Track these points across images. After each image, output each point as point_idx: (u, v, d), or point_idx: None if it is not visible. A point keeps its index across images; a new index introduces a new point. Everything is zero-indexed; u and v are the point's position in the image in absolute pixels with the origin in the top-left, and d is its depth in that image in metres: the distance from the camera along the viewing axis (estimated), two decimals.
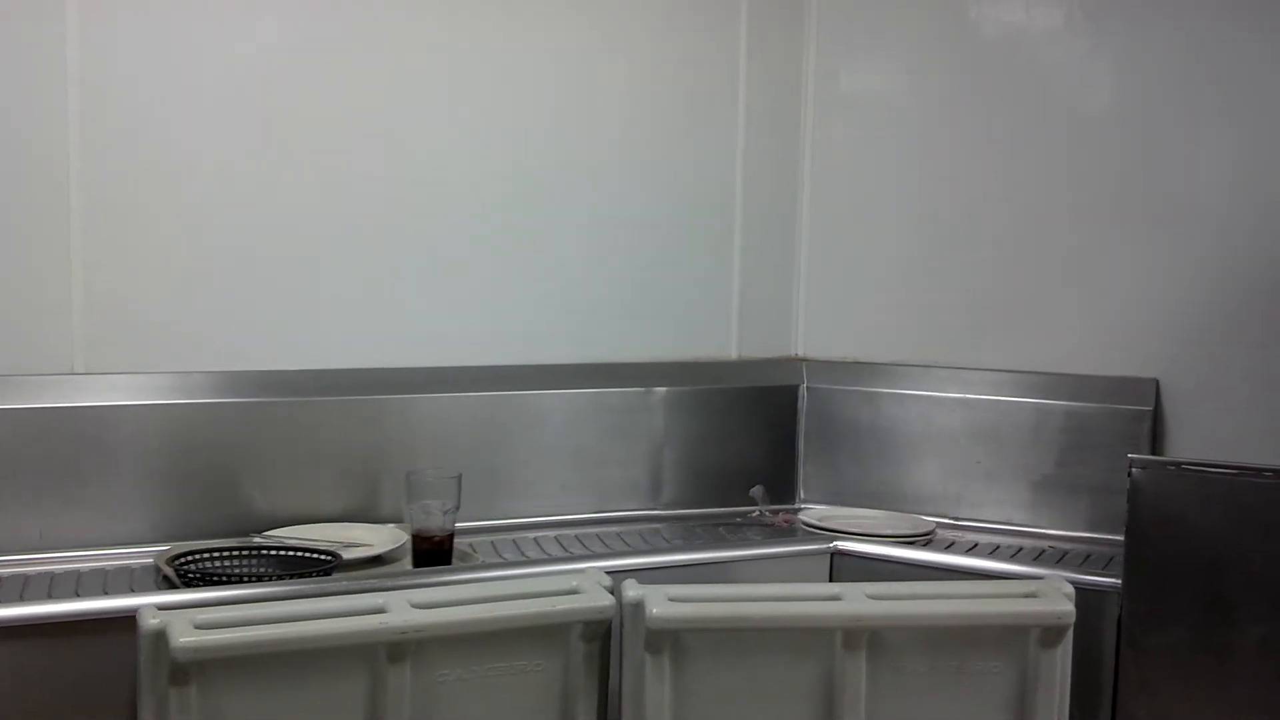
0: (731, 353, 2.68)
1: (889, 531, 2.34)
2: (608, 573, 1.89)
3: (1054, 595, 1.87)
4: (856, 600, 1.83)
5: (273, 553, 2.05)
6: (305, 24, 2.26)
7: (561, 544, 2.33)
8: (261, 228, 2.25)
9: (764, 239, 2.70)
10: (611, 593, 1.82)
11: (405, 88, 2.35)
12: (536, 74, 2.45)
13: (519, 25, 2.43)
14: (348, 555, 2.05)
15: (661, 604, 1.78)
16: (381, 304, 2.35)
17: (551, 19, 2.46)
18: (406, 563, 2.10)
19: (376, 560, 2.09)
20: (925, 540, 2.33)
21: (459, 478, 2.11)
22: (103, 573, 2.04)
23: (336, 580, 1.91)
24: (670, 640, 1.80)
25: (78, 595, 1.90)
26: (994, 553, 2.32)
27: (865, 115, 2.68)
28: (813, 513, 2.50)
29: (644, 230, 2.57)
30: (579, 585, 1.83)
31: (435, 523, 2.08)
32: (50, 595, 1.91)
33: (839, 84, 2.70)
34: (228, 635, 1.60)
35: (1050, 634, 1.85)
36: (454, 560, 2.10)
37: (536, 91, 2.46)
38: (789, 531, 2.46)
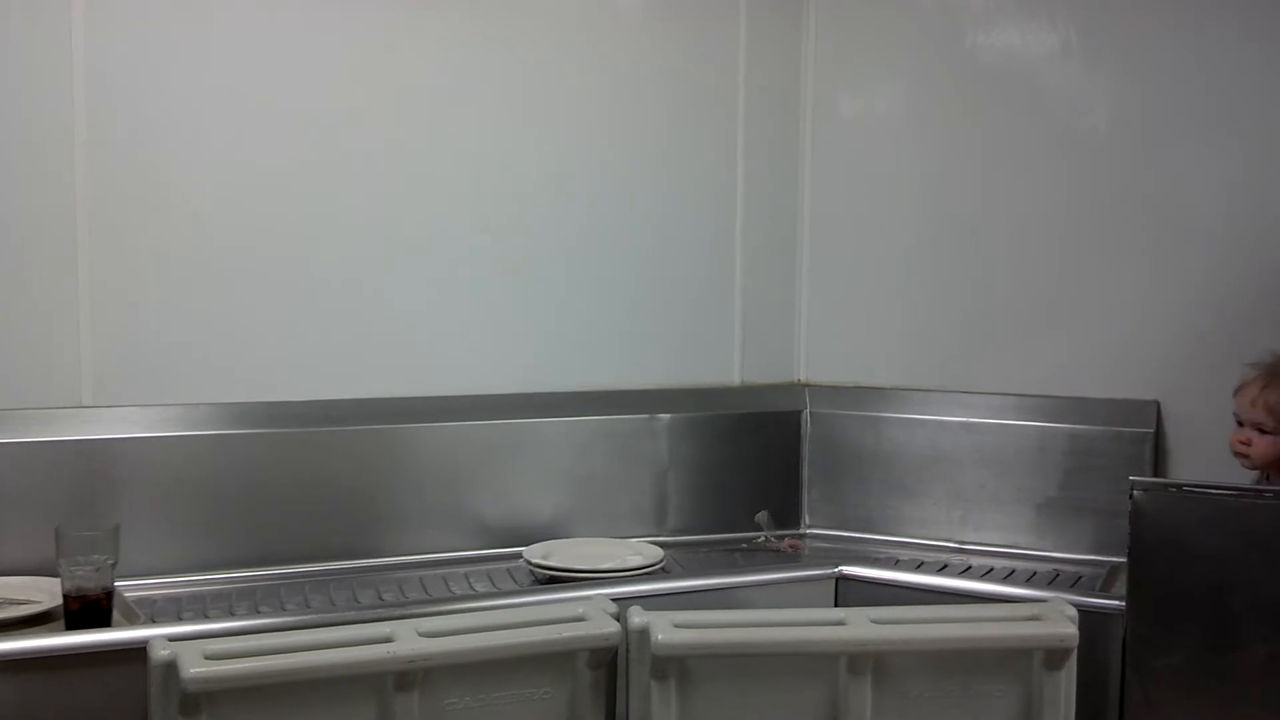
0: (734, 379, 2.69)
1: None
2: (613, 599, 1.90)
3: (1057, 618, 1.87)
4: (861, 625, 1.84)
5: None
6: (315, 59, 2.29)
7: None
8: (269, 260, 2.28)
9: (765, 265, 2.72)
10: (617, 620, 1.83)
11: (407, 116, 2.37)
12: (538, 104, 2.47)
13: (523, 60, 2.45)
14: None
15: (667, 630, 1.79)
16: (388, 334, 2.37)
17: (552, 49, 2.48)
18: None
19: (42, 618, 1.91)
20: None
21: (116, 529, 1.93)
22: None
23: (345, 610, 1.93)
24: (676, 666, 1.81)
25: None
26: (998, 576, 2.33)
27: (864, 139, 2.70)
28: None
29: (646, 258, 2.59)
30: (585, 612, 1.84)
31: (90, 581, 1.87)
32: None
33: (838, 108, 2.72)
34: (237, 665, 1.61)
35: (1054, 656, 1.85)
36: (114, 619, 1.91)
37: (537, 122, 2.48)
38: (794, 557, 2.47)
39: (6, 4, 2.08)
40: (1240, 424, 2.17)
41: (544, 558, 2.28)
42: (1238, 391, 2.18)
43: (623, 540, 2.45)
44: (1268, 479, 2.19)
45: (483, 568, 2.33)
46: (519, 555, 2.34)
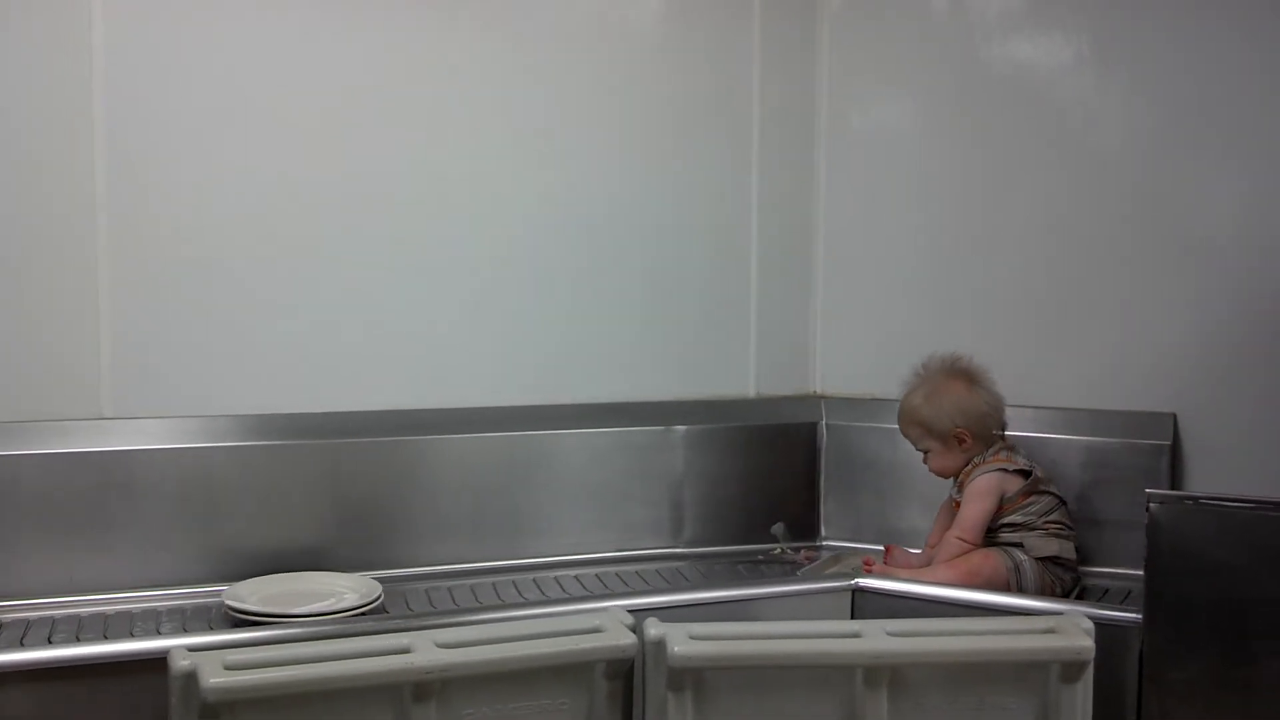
0: (750, 390, 2.69)
1: None
2: (630, 611, 1.90)
3: (1073, 631, 1.87)
4: (877, 637, 1.84)
5: None
6: (334, 73, 2.31)
7: (583, 583, 2.35)
8: (287, 273, 2.29)
9: (780, 276, 2.72)
10: (634, 631, 1.83)
11: (425, 129, 2.39)
12: (554, 118, 2.49)
13: (539, 74, 2.47)
14: None
15: (683, 642, 1.79)
16: (405, 346, 2.38)
17: (567, 63, 2.49)
18: None
19: None
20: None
21: None
22: (129, 615, 2.07)
23: (363, 620, 1.94)
24: (692, 678, 1.81)
25: (105, 638, 1.93)
26: None
27: (878, 152, 2.70)
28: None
29: (661, 270, 2.60)
30: (601, 624, 1.84)
31: None
32: (79, 638, 1.94)
33: (852, 122, 2.72)
34: (257, 676, 1.62)
35: (1070, 669, 1.85)
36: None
37: (553, 135, 2.49)
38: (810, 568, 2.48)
39: (27, 19, 2.10)
40: None
41: (243, 599, 2.05)
42: None
43: (341, 574, 2.22)
44: (961, 470, 2.37)
45: (497, 579, 2.34)
46: (533, 566, 2.35)
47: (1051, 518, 2.31)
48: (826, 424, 2.70)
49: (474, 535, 2.40)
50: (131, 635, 1.95)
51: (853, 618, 2.21)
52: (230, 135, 2.24)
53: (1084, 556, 2.39)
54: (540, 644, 1.78)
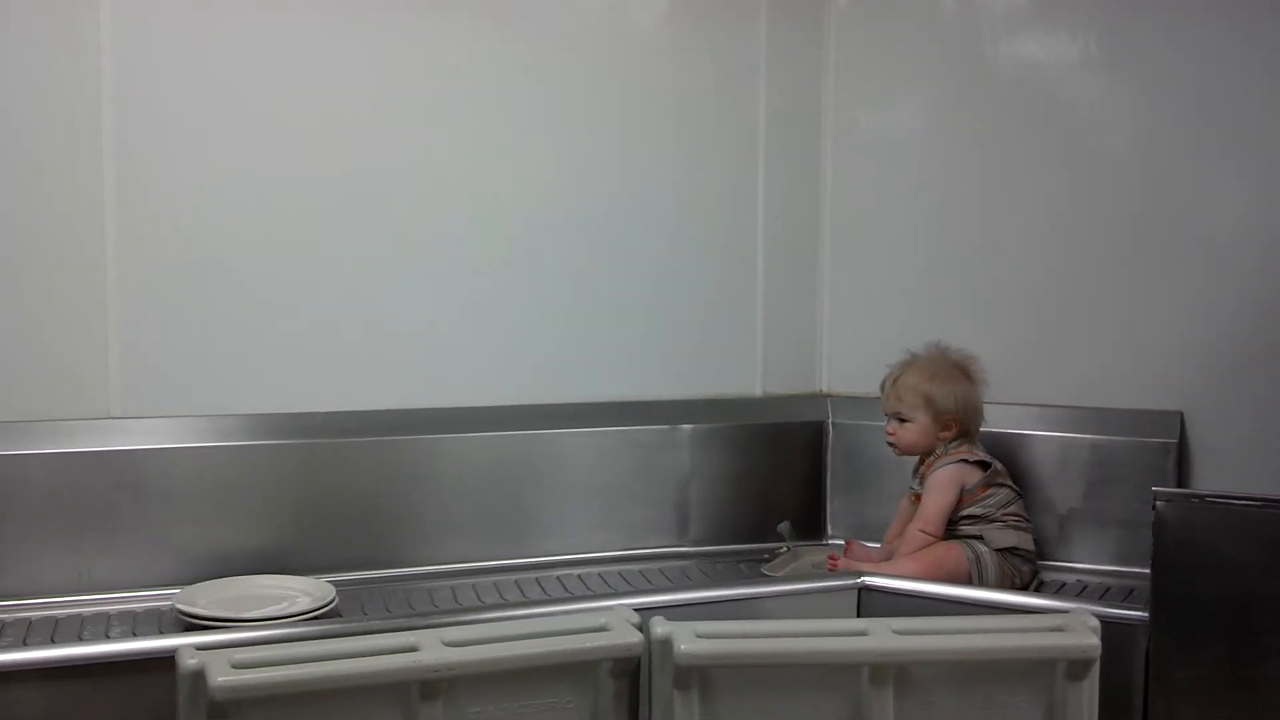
0: (756, 389, 2.70)
1: None
2: (636, 610, 1.90)
3: (1080, 629, 1.87)
4: (883, 635, 1.84)
5: None
6: (340, 75, 2.31)
7: (588, 582, 2.35)
8: (294, 273, 2.30)
9: (787, 276, 2.72)
10: (640, 630, 1.83)
11: (429, 128, 2.39)
12: (558, 117, 2.49)
13: (543, 73, 2.47)
14: None
15: (689, 640, 1.80)
16: (411, 345, 2.39)
17: (573, 62, 2.50)
18: None
19: None
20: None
21: None
22: (132, 615, 2.08)
23: (371, 619, 1.94)
24: (698, 676, 1.81)
25: (108, 637, 1.94)
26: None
27: (885, 153, 2.70)
28: None
29: (667, 269, 2.60)
30: (608, 623, 1.85)
31: None
32: (82, 637, 1.95)
33: (858, 121, 2.72)
34: (265, 674, 1.62)
35: (1076, 667, 1.85)
36: None
37: (558, 134, 2.49)
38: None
39: (34, 22, 2.10)
40: (887, 417, 2.41)
41: (193, 602, 2.02)
42: (880, 388, 2.43)
43: (296, 577, 2.20)
44: (921, 463, 2.41)
45: (505, 578, 2.34)
46: (539, 565, 2.35)
47: (1010, 510, 2.34)
48: (833, 423, 2.71)
49: (480, 534, 2.40)
50: (134, 634, 1.95)
51: (859, 616, 2.22)
52: (235, 137, 2.24)
53: (1090, 555, 2.39)
54: (547, 642, 1.79)
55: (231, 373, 2.26)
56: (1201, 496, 1.98)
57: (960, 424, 2.37)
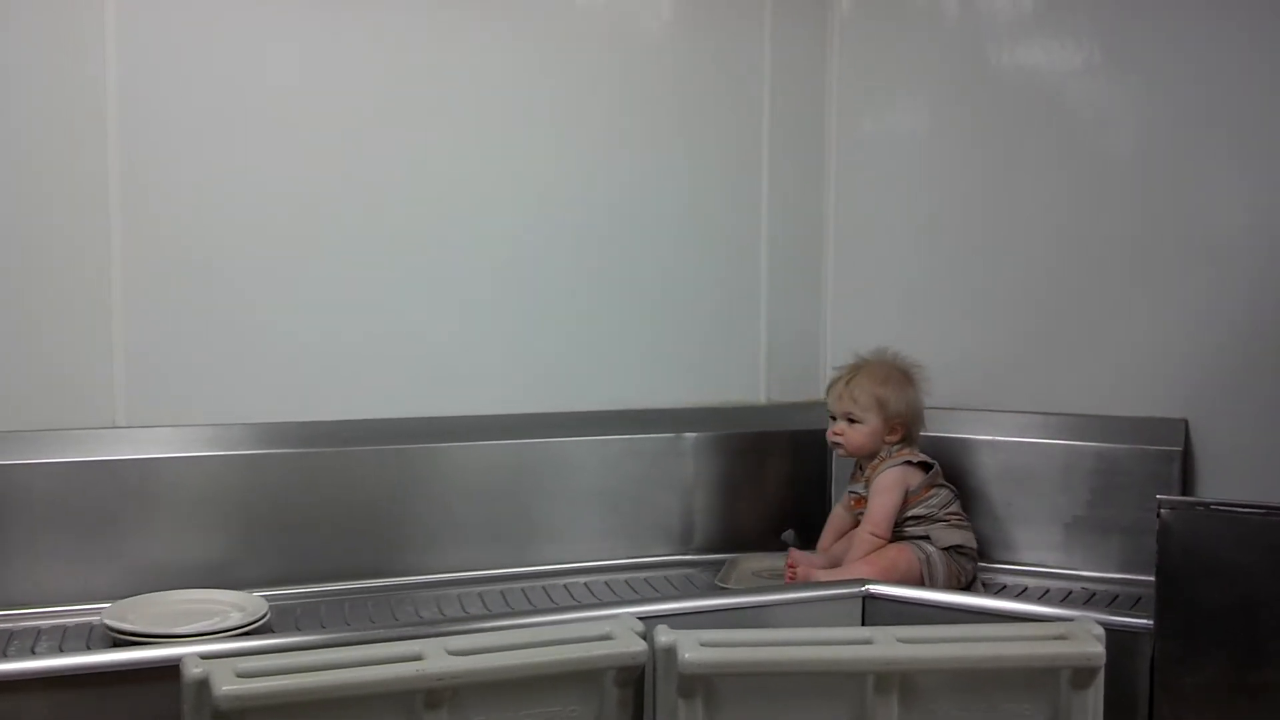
0: (760, 397, 2.70)
1: None
2: (640, 618, 1.90)
3: (1084, 637, 1.86)
4: (887, 644, 1.84)
5: None
6: (346, 79, 2.32)
7: (593, 590, 2.35)
8: (299, 281, 2.30)
9: (790, 282, 2.73)
10: (644, 638, 1.83)
11: (433, 135, 2.40)
12: (562, 124, 2.50)
13: (548, 81, 2.48)
14: None
15: (694, 649, 1.79)
16: (416, 354, 2.39)
17: (576, 68, 2.50)
18: None
19: None
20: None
21: None
22: None
23: (375, 628, 1.94)
24: (703, 685, 1.81)
25: (125, 645, 1.94)
26: (1024, 595, 2.33)
27: (889, 159, 2.70)
28: None
29: (670, 276, 2.60)
30: (612, 631, 1.84)
31: None
32: (89, 646, 1.95)
33: (862, 126, 2.73)
34: (269, 683, 1.62)
35: (1081, 675, 1.84)
36: None
37: (561, 142, 2.50)
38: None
39: (39, 27, 2.11)
40: (833, 418, 2.42)
41: (122, 618, 1.99)
42: (827, 391, 2.47)
43: (229, 591, 2.16)
44: (860, 469, 2.44)
45: (507, 586, 2.34)
46: (543, 573, 2.36)
47: (951, 509, 2.38)
48: None
49: (484, 542, 2.40)
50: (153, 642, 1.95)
51: (863, 624, 2.22)
52: (239, 143, 2.25)
53: (1095, 563, 2.39)
54: (551, 651, 1.78)
55: (237, 381, 2.27)
56: (1206, 504, 1.97)
57: (906, 428, 2.40)
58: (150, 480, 2.17)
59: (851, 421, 2.41)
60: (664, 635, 1.83)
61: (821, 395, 2.74)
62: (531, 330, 2.49)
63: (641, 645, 1.82)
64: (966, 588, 2.34)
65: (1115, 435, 2.43)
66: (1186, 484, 2.36)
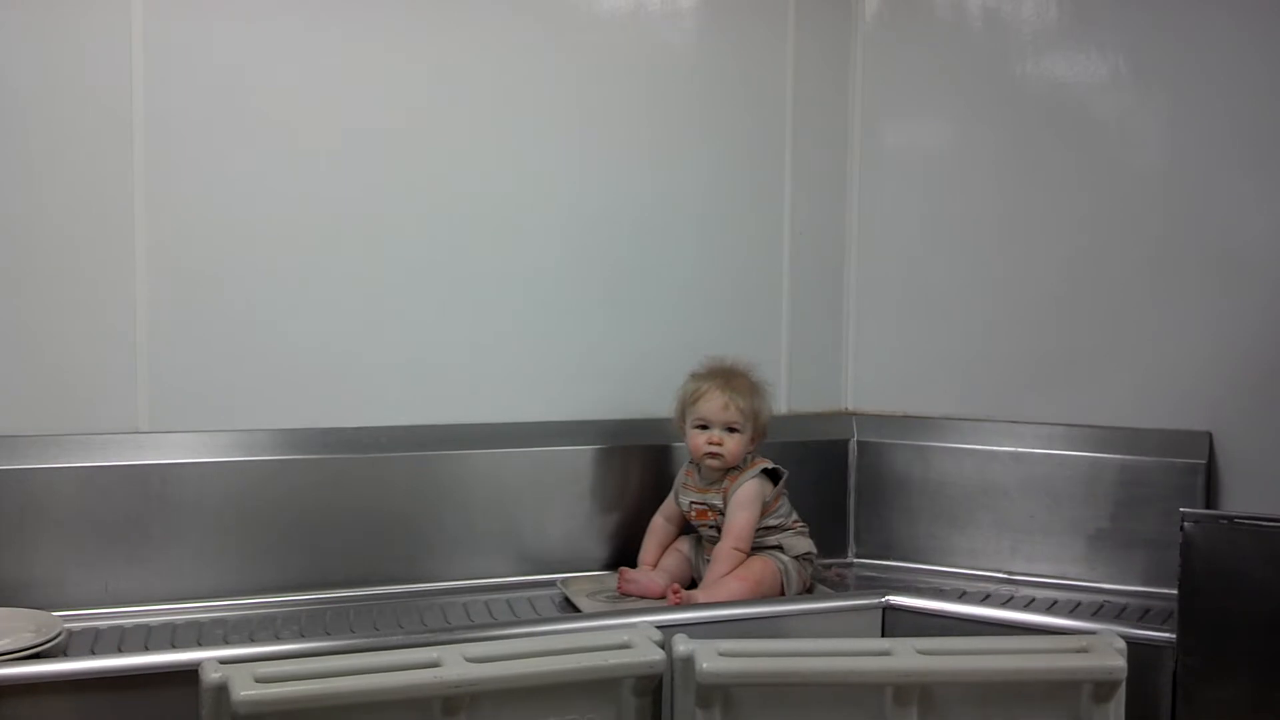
0: (781, 407, 2.69)
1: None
2: (658, 627, 1.90)
3: (1106, 650, 1.86)
4: (907, 655, 1.84)
5: None
6: (368, 91, 2.33)
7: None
8: (323, 289, 2.31)
9: (812, 294, 2.72)
10: (662, 648, 1.83)
11: (456, 148, 2.40)
12: (586, 139, 2.50)
13: (570, 93, 2.48)
14: None
15: (712, 659, 1.79)
16: (438, 362, 2.40)
17: (599, 83, 2.50)
18: None
19: None
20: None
21: None
22: (171, 627, 2.09)
23: (393, 635, 1.95)
24: (721, 695, 1.81)
25: (146, 649, 1.95)
26: (1047, 607, 2.31)
27: (911, 170, 2.70)
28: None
29: (692, 286, 2.60)
30: (630, 640, 1.85)
31: None
32: (120, 649, 1.96)
33: (885, 140, 2.72)
34: (288, 689, 1.63)
35: (1102, 689, 1.84)
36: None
37: (583, 156, 2.50)
38: (841, 586, 2.47)
39: (65, 39, 2.13)
40: (705, 427, 2.34)
41: None
42: (697, 400, 2.35)
43: (21, 610, 2.02)
44: (699, 475, 2.38)
45: (529, 594, 2.34)
46: (560, 582, 2.36)
47: (794, 517, 2.38)
48: (858, 441, 2.70)
49: (506, 549, 2.40)
50: (171, 647, 1.97)
51: (883, 635, 2.21)
52: (265, 152, 2.26)
53: (1117, 576, 2.38)
54: (569, 659, 1.79)
55: (261, 387, 2.28)
56: (1230, 518, 1.96)
57: (763, 437, 2.39)
58: (172, 485, 2.18)
59: (731, 431, 2.34)
60: (682, 645, 1.83)
61: (841, 407, 2.75)
62: (554, 340, 2.49)
63: (660, 654, 1.82)
64: (808, 592, 2.33)
65: (1139, 448, 2.42)
66: (1210, 497, 2.35)
